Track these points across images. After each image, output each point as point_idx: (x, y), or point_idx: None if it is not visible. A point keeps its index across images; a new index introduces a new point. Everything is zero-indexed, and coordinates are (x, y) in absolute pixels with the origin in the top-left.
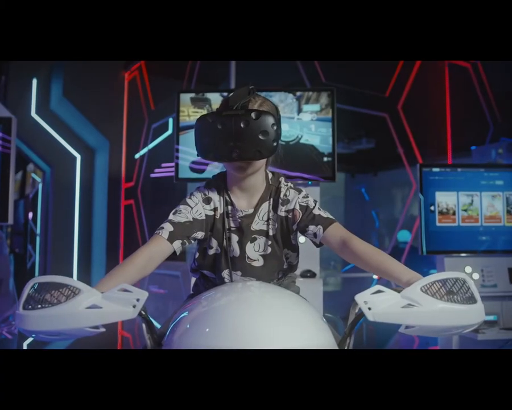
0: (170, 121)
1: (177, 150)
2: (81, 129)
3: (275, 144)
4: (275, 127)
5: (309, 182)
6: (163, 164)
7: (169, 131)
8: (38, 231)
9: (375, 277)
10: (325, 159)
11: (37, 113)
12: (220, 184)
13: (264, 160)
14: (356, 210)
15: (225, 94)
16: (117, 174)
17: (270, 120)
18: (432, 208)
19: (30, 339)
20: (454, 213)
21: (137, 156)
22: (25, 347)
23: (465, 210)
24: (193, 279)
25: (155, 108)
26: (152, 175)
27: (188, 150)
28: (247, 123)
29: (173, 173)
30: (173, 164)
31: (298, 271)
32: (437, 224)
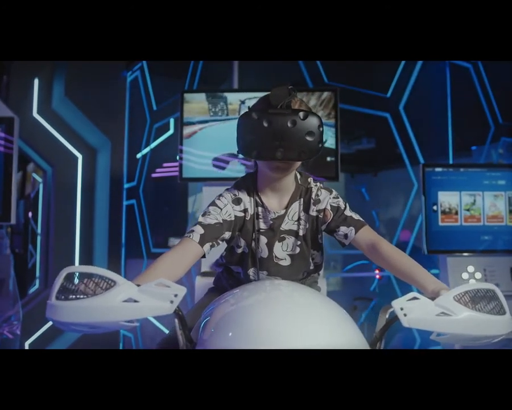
0: (172, 121)
1: (181, 151)
2: (83, 129)
3: (320, 145)
4: (320, 129)
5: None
6: (165, 164)
7: (171, 131)
8: (39, 231)
9: (377, 277)
10: (328, 158)
11: (38, 112)
12: (250, 185)
13: (300, 162)
14: (356, 210)
15: (229, 93)
16: (119, 174)
17: (316, 121)
18: (435, 207)
19: (32, 339)
20: (456, 213)
21: (139, 155)
22: (27, 347)
23: (468, 209)
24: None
25: (157, 108)
26: (154, 175)
27: (190, 150)
28: (294, 123)
29: (174, 173)
30: (174, 164)
31: None
32: (440, 223)
